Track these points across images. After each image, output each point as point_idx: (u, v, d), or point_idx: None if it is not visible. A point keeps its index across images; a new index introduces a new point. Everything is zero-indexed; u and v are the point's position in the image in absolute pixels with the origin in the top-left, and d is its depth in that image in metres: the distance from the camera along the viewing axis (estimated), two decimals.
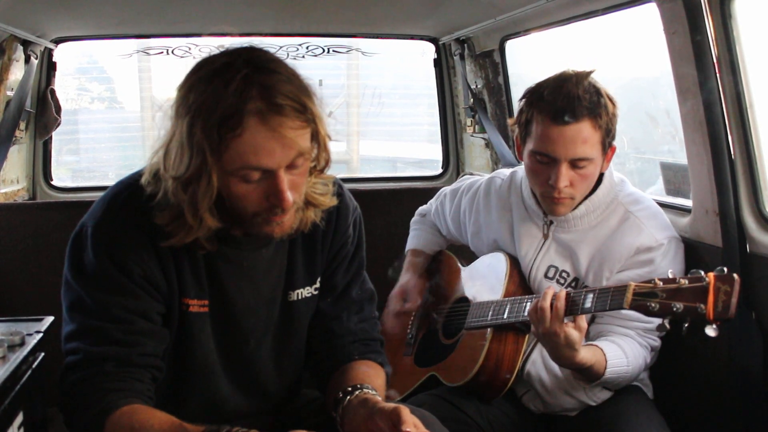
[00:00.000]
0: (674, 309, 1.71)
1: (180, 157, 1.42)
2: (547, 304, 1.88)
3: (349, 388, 1.61)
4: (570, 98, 1.95)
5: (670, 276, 1.75)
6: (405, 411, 1.45)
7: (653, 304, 1.73)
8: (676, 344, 2.07)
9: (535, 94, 2.04)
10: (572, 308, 1.88)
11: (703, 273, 1.71)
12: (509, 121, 2.42)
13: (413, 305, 2.46)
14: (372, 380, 1.67)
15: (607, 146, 2.03)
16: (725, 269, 1.70)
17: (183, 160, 1.42)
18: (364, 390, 1.60)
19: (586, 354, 1.91)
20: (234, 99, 1.37)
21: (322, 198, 1.63)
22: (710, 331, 1.68)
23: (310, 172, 1.54)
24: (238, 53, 1.44)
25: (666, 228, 2.10)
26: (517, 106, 2.18)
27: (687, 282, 1.71)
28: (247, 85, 1.38)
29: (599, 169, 2.06)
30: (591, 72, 2.01)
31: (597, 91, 1.99)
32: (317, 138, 1.49)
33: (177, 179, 1.44)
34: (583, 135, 1.97)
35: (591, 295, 1.87)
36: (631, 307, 1.77)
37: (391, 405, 1.49)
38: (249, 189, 1.45)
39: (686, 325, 1.71)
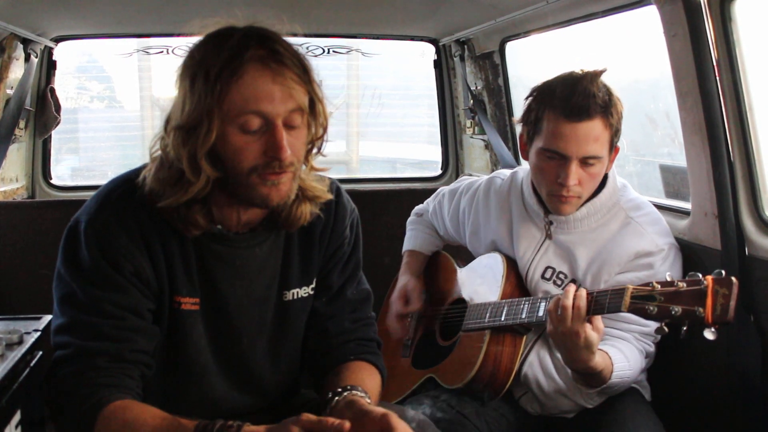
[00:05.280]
0: (672, 312, 1.70)
1: (182, 107, 1.46)
2: (569, 302, 1.84)
3: (339, 389, 1.60)
4: (586, 95, 1.94)
5: (668, 279, 1.75)
6: (394, 417, 1.43)
7: (651, 307, 1.73)
8: (674, 347, 2.07)
9: (545, 92, 2.03)
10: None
11: (701, 276, 1.70)
12: (515, 119, 2.40)
13: (416, 306, 2.44)
14: (365, 382, 1.66)
15: (613, 146, 2.04)
16: (723, 272, 1.69)
17: (185, 110, 1.45)
18: (353, 392, 1.58)
19: (598, 358, 1.89)
20: (234, 49, 1.43)
21: (316, 188, 1.64)
22: (709, 334, 1.67)
23: (307, 149, 1.56)
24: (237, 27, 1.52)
25: (666, 234, 2.10)
26: (520, 105, 2.17)
27: (685, 285, 1.71)
28: (247, 38, 1.46)
29: (605, 169, 2.06)
30: (603, 71, 2.00)
31: (608, 90, 1.99)
32: (314, 107, 1.51)
33: (178, 129, 1.46)
34: (595, 133, 1.96)
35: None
36: (629, 310, 1.76)
37: (381, 410, 1.47)
38: (247, 140, 1.46)
39: (684, 328, 1.71)
